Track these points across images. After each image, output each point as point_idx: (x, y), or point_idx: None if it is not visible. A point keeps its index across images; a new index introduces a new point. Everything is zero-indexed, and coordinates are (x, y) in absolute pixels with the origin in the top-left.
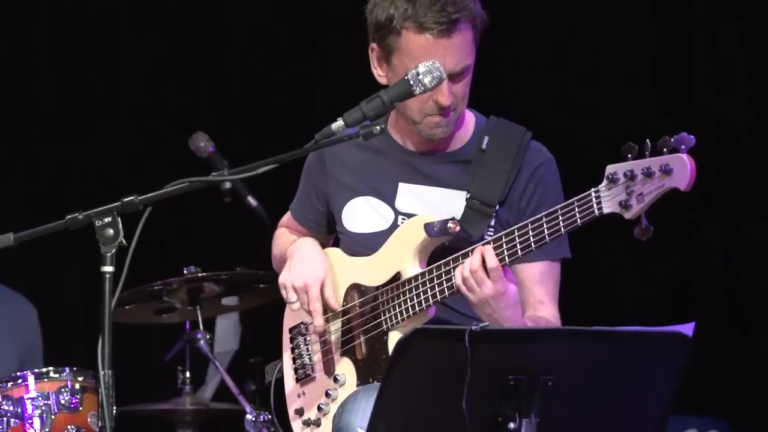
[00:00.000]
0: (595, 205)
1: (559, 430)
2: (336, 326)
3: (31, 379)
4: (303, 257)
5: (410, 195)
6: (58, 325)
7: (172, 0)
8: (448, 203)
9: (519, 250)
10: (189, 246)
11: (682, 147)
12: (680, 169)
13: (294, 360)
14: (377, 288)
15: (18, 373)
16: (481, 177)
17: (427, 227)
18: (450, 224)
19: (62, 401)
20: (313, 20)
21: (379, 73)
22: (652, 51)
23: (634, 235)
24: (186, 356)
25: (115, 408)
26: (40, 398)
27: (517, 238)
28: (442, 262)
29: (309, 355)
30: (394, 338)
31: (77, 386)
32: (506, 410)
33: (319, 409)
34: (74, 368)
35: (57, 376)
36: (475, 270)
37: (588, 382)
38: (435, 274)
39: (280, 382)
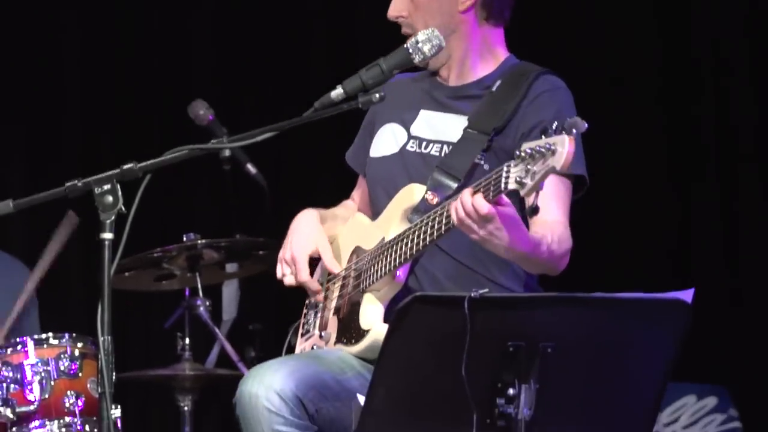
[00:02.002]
0: (503, 179)
1: (558, 396)
2: (337, 287)
3: (30, 344)
4: (293, 232)
5: (425, 121)
6: (57, 292)
7: None
8: (449, 128)
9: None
10: (188, 213)
11: (574, 131)
12: (561, 149)
13: (304, 315)
14: (367, 251)
15: (17, 339)
16: (482, 109)
17: (415, 210)
18: (428, 196)
19: (62, 367)
20: None
21: None
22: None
23: (526, 212)
24: (185, 323)
25: (114, 374)
26: (39, 364)
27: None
28: (411, 224)
29: (315, 311)
30: (366, 300)
31: (77, 352)
32: (506, 376)
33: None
34: (74, 334)
35: (56, 342)
36: (469, 212)
37: (587, 348)
38: (404, 234)
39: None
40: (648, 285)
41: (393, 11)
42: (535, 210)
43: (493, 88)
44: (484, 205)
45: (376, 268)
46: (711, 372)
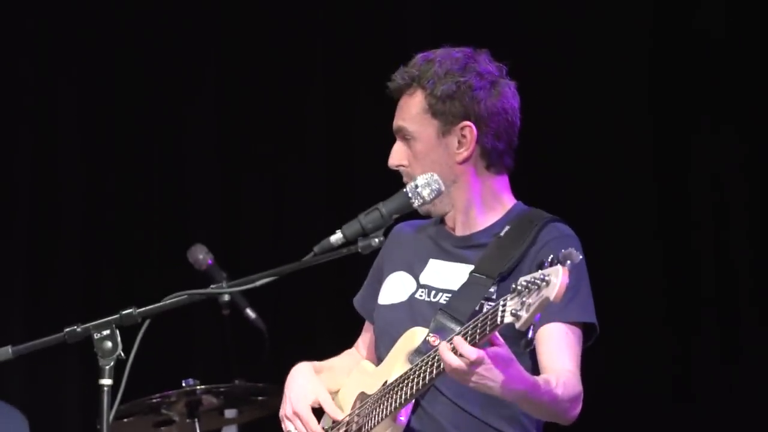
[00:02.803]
0: (499, 314)
1: None
2: None
3: None
4: (290, 388)
5: (435, 270)
6: None
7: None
8: (459, 277)
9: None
10: (187, 358)
11: (568, 262)
12: (555, 280)
13: None
14: (369, 396)
15: None
16: (489, 253)
17: (415, 352)
18: (430, 339)
19: None
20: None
21: None
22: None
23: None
24: None
25: None
26: None
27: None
28: (407, 368)
29: None
30: None
31: None
32: None
33: None
34: None
35: None
36: (456, 365)
37: None
38: (405, 375)
39: None
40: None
41: (393, 160)
42: (529, 343)
43: (501, 233)
44: (471, 352)
45: (377, 411)
46: None
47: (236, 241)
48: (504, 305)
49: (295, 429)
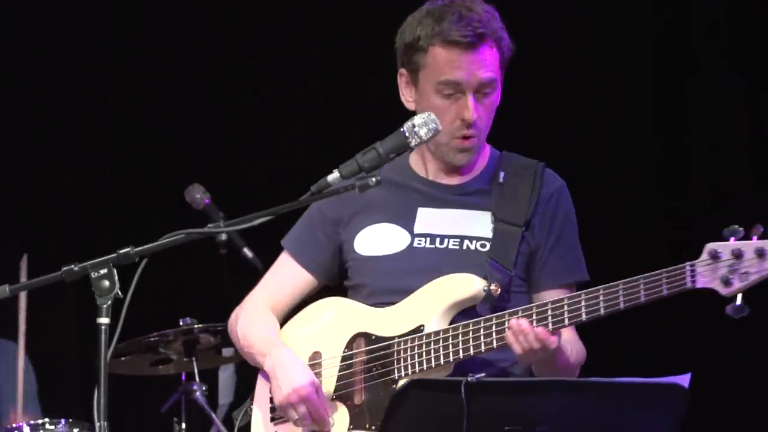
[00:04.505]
0: (688, 278)
1: None
2: (332, 372)
3: (26, 430)
4: (285, 370)
5: (429, 218)
6: (54, 377)
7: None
8: (467, 222)
9: (584, 315)
10: (184, 297)
11: None
12: None
13: (272, 400)
14: (392, 338)
15: (13, 425)
16: (504, 201)
17: (480, 306)
18: (492, 287)
19: None
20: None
21: (407, 99)
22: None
23: (726, 312)
24: (182, 408)
25: None
26: None
27: (584, 302)
28: (471, 321)
29: None
30: None
31: None
32: None
33: None
34: (70, 420)
35: (52, 428)
36: (537, 349)
37: None
38: (462, 331)
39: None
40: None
41: (476, 114)
42: (740, 309)
43: (500, 180)
44: (552, 341)
45: (428, 357)
46: None
47: (234, 180)
48: (693, 269)
49: (302, 415)
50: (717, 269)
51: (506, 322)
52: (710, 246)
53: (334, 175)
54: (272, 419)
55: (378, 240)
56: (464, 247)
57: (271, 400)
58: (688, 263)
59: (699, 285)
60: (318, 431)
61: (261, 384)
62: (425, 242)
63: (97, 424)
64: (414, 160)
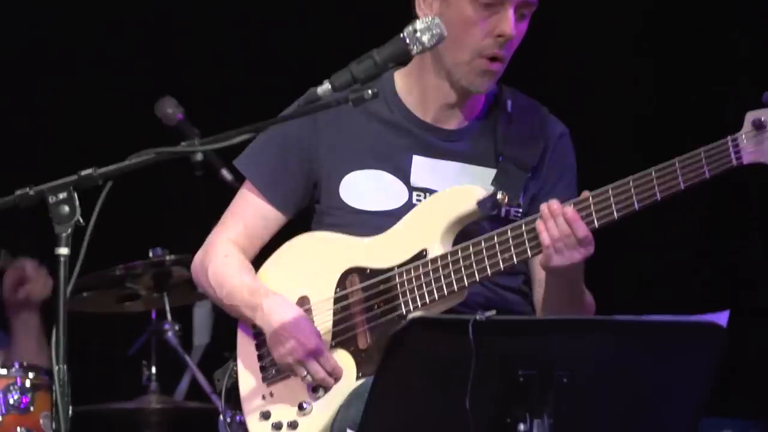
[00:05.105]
0: (733, 155)
1: None
2: (325, 317)
3: None
4: (285, 323)
5: (426, 169)
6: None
7: None
8: (466, 179)
9: (615, 212)
10: (155, 225)
11: None
12: None
13: (261, 357)
14: (390, 269)
15: None
16: (510, 137)
17: (481, 204)
18: (499, 196)
19: (11, 401)
20: None
21: (423, 9)
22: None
23: None
24: (152, 349)
25: (71, 408)
26: None
27: (613, 197)
28: (482, 238)
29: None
30: None
31: (28, 384)
32: (515, 410)
33: (301, 408)
34: (24, 363)
35: (5, 372)
36: (567, 234)
37: (607, 378)
38: (473, 250)
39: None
40: (679, 305)
41: (515, 31)
42: None
43: (508, 109)
44: (581, 226)
45: (438, 284)
46: (752, 405)
47: (210, 93)
48: (736, 143)
49: (312, 370)
50: (764, 140)
51: (524, 233)
52: (752, 114)
53: (324, 87)
54: (264, 379)
55: (370, 191)
56: None
57: (260, 358)
58: (729, 137)
59: (746, 161)
60: (323, 386)
61: (243, 339)
62: (424, 198)
63: (55, 368)
64: (406, 94)
